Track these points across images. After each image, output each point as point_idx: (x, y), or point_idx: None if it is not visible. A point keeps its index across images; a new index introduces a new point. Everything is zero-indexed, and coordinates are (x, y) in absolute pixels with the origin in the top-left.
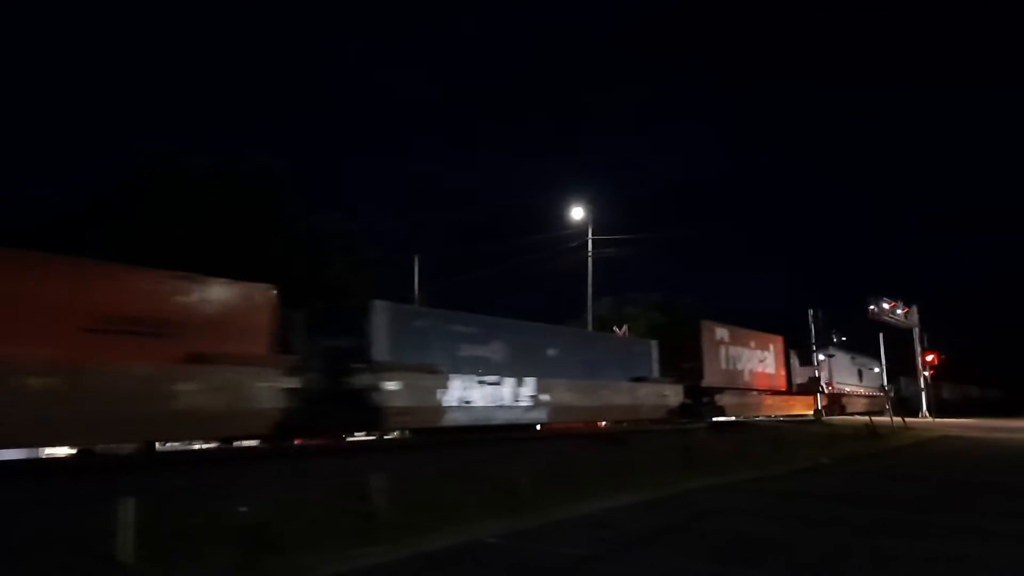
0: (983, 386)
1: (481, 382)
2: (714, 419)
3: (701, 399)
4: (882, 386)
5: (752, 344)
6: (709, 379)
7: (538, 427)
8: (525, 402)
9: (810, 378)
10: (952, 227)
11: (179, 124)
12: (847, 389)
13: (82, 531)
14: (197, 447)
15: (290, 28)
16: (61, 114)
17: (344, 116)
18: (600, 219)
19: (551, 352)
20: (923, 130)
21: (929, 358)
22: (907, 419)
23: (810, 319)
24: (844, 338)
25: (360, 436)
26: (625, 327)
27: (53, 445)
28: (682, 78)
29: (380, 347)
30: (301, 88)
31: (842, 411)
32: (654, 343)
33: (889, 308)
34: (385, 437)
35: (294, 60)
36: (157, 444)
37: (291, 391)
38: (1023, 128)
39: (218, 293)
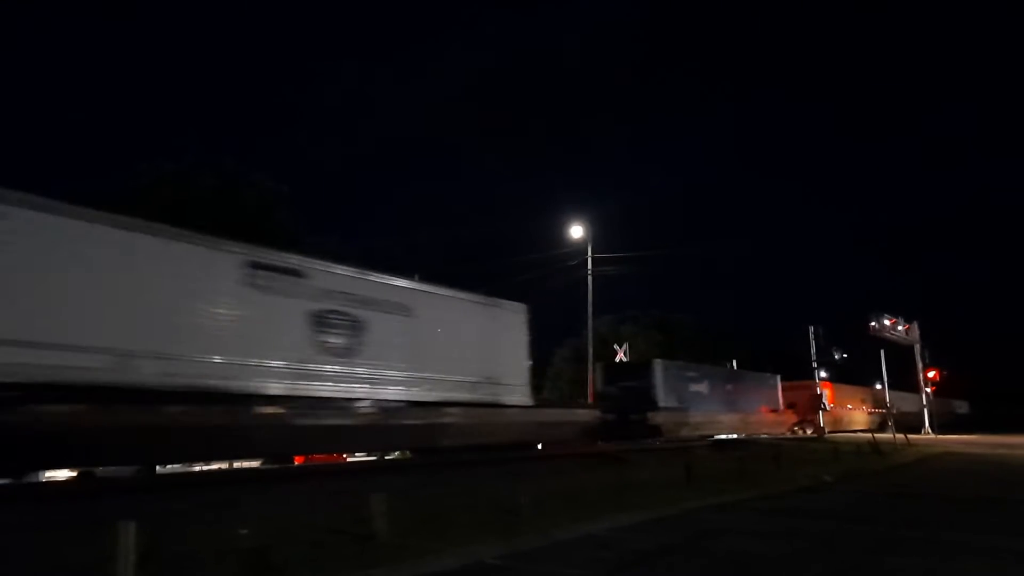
0: (983, 401)
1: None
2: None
3: None
4: (886, 403)
5: None
6: None
7: (539, 446)
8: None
9: (811, 395)
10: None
11: (184, 145)
12: None
13: (82, 556)
14: (197, 469)
15: (289, 51)
16: (57, 136)
17: (342, 136)
18: (599, 236)
19: (729, 387)
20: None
21: (931, 374)
22: (910, 436)
23: (810, 335)
24: (845, 355)
25: (362, 456)
26: (626, 346)
27: None
28: (681, 99)
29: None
30: (300, 109)
31: None
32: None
33: (890, 325)
34: (387, 457)
35: (293, 81)
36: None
37: None
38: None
39: None
